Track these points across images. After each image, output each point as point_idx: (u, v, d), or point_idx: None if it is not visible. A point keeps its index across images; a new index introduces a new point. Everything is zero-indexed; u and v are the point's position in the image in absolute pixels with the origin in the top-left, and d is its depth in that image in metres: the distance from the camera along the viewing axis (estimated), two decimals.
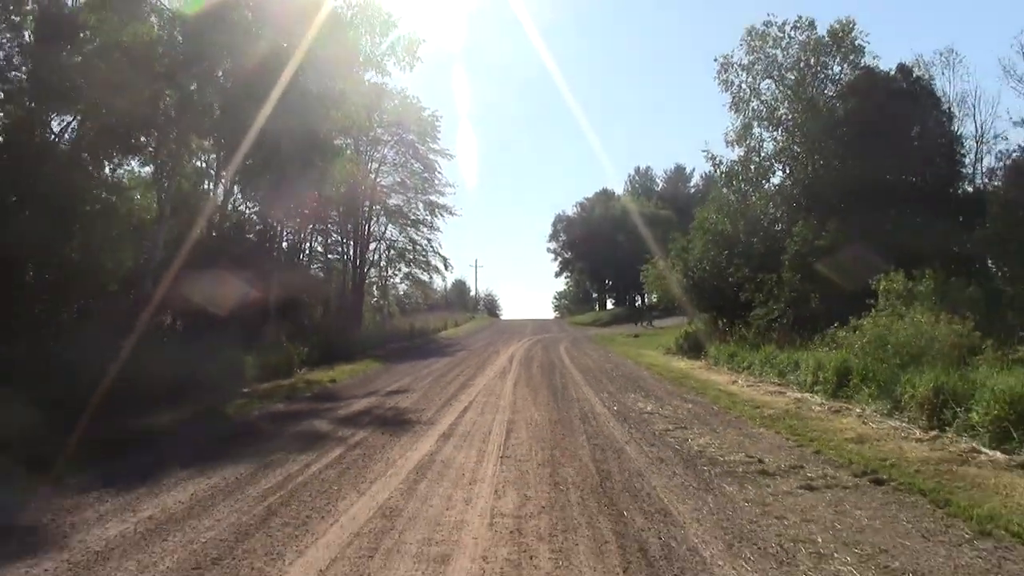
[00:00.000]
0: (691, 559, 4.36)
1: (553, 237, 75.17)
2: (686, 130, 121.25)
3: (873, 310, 13.80)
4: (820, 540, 4.71)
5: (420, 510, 5.45)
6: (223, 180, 21.63)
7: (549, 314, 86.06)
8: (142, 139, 16.91)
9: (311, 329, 21.66)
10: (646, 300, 50.53)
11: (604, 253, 64.03)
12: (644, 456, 7.45)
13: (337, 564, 4.29)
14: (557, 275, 79.42)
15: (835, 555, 4.43)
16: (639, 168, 78.55)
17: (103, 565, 4.32)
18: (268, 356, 15.73)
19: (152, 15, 18.17)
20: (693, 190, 69.69)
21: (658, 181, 76.90)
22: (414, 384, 14.75)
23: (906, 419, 9.58)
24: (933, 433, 8.67)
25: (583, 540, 4.71)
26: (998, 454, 7.42)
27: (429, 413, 10.59)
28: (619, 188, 75.61)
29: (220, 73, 19.14)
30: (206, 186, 21.89)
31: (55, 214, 12.61)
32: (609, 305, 74.79)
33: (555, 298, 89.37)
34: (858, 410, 10.64)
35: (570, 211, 75.28)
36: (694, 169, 74.52)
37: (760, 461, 7.19)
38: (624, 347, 27.48)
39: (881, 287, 15.17)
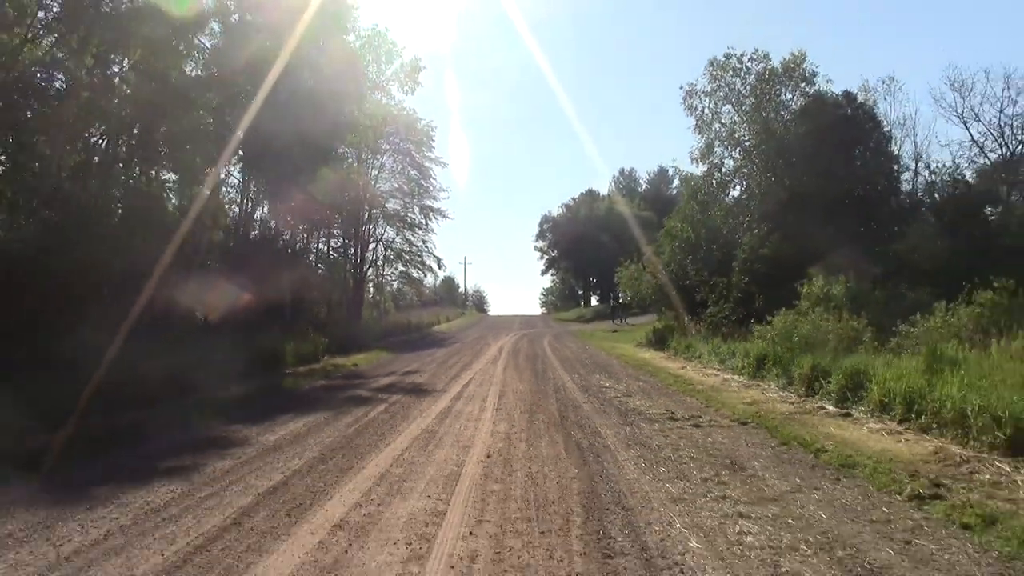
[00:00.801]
0: (603, 449, 7.96)
1: (540, 236, 79.03)
2: (674, 131, 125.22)
3: (783, 309, 17.41)
4: (682, 445, 8.29)
5: (448, 431, 9.05)
6: (250, 193, 25.13)
7: (536, 310, 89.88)
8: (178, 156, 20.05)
9: (317, 324, 25.05)
10: (620, 299, 54.13)
11: (589, 252, 67.67)
12: (593, 409, 11.05)
13: (408, 450, 7.88)
14: (543, 273, 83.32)
15: (688, 450, 8.01)
16: (623, 169, 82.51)
17: (280, 450, 7.90)
18: (300, 345, 19.23)
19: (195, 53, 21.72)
20: (675, 192, 73.39)
21: (642, 182, 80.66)
22: (423, 368, 18.37)
23: (792, 390, 13.26)
24: (804, 398, 12.34)
25: (544, 441, 8.32)
26: (833, 408, 11.08)
27: (440, 385, 14.22)
28: (605, 188, 79.48)
29: (251, 105, 22.53)
30: (232, 195, 25.33)
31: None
32: (594, 302, 78.51)
33: (542, 294, 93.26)
34: (764, 385, 14.34)
35: (556, 211, 79.14)
36: (676, 171, 78.27)
37: (672, 413, 10.78)
38: (601, 341, 31.15)
39: (803, 290, 18.90)
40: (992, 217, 24.31)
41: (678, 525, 5.13)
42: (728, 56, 28.90)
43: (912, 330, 14.79)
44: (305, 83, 23.11)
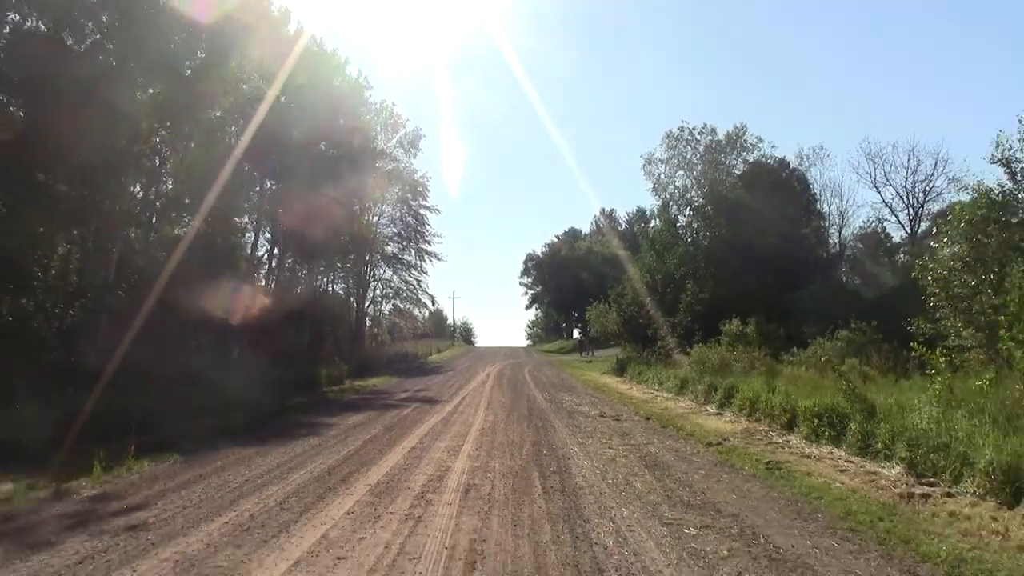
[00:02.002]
0: (550, 427, 13.53)
1: (524, 273, 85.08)
2: None
3: (710, 342, 23.09)
4: (600, 427, 13.85)
5: (457, 419, 14.58)
6: (277, 249, 30.68)
7: (521, 342, 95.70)
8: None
9: (342, 354, 30.51)
10: (589, 333, 59.82)
11: (569, 288, 73.55)
12: (551, 411, 16.58)
13: (436, 425, 13.43)
14: (527, 307, 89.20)
15: (601, 429, 13.57)
16: (604, 209, 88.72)
17: (358, 428, 13.43)
18: (331, 370, 24.70)
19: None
20: (652, 232, 79.53)
21: (622, 222, 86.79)
22: (429, 387, 23.90)
23: (695, 400, 18.87)
24: (701, 405, 17.94)
25: (515, 424, 13.90)
26: (713, 410, 16.67)
27: (445, 398, 19.77)
28: (587, 226, 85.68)
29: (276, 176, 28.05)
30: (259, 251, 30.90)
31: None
32: (575, 334, 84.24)
33: (528, 326, 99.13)
34: (680, 399, 19.95)
35: (540, 250, 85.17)
36: (654, 210, 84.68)
37: (604, 413, 16.33)
38: (574, 369, 36.73)
39: (725, 328, 24.64)
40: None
41: (576, 451, 10.69)
42: (682, 129, 35.03)
43: (792, 359, 20.49)
44: (330, 155, 28.86)
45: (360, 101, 31.28)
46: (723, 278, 30.08)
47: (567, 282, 73.56)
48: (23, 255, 15.02)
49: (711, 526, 6.42)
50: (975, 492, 7.81)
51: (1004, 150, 15.39)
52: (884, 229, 37.99)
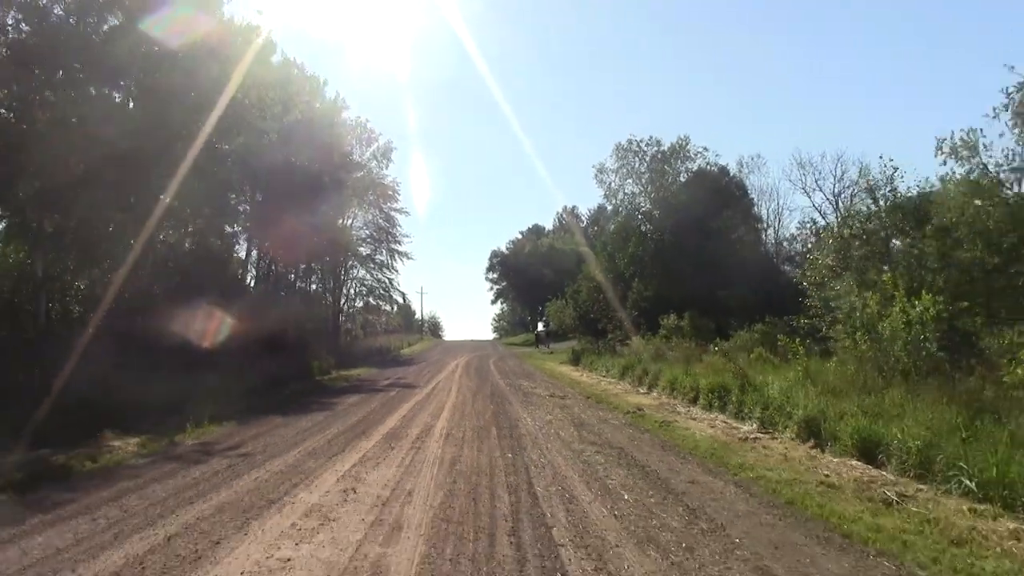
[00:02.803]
0: (508, 404, 17.38)
1: (490, 269, 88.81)
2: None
3: (638, 336, 27.15)
4: (548, 404, 17.70)
5: (433, 400, 18.36)
6: (259, 255, 34.01)
7: (488, 335, 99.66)
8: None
9: (330, 348, 34.02)
10: (548, 327, 63.92)
11: (533, 284, 77.44)
12: (510, 392, 20.41)
13: (417, 403, 17.20)
14: (493, 302, 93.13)
15: (548, 404, 17.43)
16: (566, 207, 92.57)
17: (357, 406, 17.16)
18: (320, 362, 28.27)
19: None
20: (613, 228, 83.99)
21: (583, 219, 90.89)
22: (406, 376, 27.62)
23: (631, 384, 22.83)
24: (635, 386, 21.90)
25: (480, 401, 17.73)
26: (644, 390, 20.65)
27: (422, 384, 23.54)
28: (550, 223, 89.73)
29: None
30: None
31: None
32: (539, 328, 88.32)
33: (494, 319, 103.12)
34: (620, 382, 23.91)
35: (505, 247, 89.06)
36: (624, 195, 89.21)
37: (554, 394, 20.20)
38: (535, 360, 40.66)
39: (663, 323, 28.72)
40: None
41: (525, 417, 14.53)
42: (630, 141, 39.13)
43: (716, 348, 24.56)
44: (312, 171, 32.28)
45: (338, 120, 34.78)
46: (667, 276, 34.18)
47: (531, 278, 77.47)
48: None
49: (601, 452, 10.32)
50: (790, 437, 11.79)
51: (868, 179, 19.59)
52: (819, 232, 42.43)
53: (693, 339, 26.17)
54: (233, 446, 10.92)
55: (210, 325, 24.90)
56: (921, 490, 7.84)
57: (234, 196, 28.70)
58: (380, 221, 50.64)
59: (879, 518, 6.73)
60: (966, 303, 13.94)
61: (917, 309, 13.47)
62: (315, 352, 30.18)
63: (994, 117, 14.56)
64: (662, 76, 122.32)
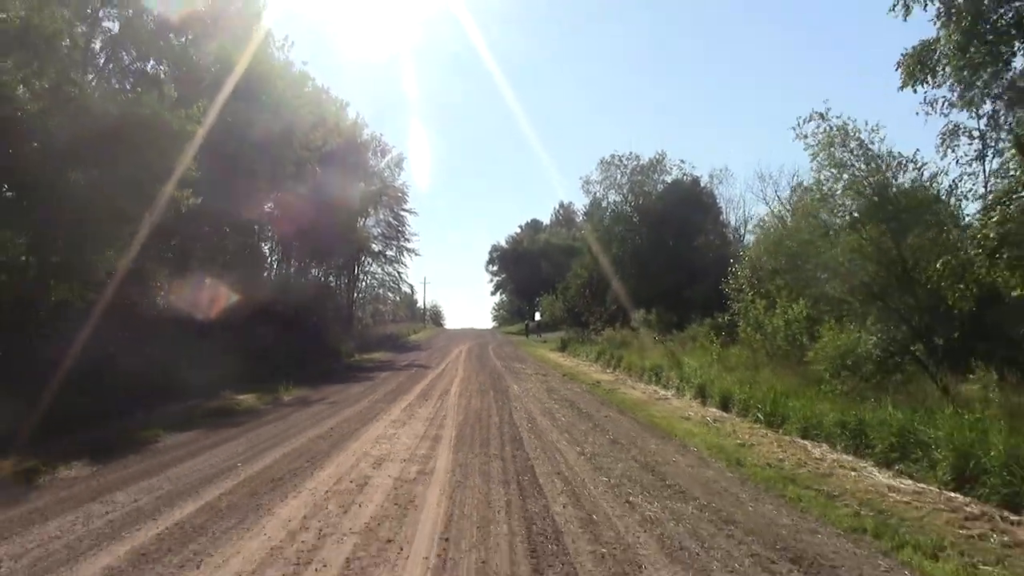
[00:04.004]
0: (502, 380, 23.37)
1: (490, 263, 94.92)
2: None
3: (611, 328, 33.15)
4: (533, 380, 23.67)
5: (445, 376, 24.40)
6: (291, 258, 39.97)
7: (488, 323, 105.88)
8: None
9: (352, 334, 40.03)
10: (538, 318, 70.01)
11: (530, 277, 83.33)
12: (505, 372, 26.40)
13: (435, 377, 23.24)
14: (492, 293, 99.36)
15: (534, 380, 23.43)
16: (562, 203, 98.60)
17: (388, 380, 23.23)
18: (344, 346, 34.29)
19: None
20: (607, 222, 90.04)
21: (578, 215, 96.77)
22: (419, 359, 33.68)
23: (604, 366, 28.84)
24: (605, 368, 27.92)
25: (482, 377, 23.74)
26: (611, 371, 26.67)
27: (434, 364, 29.60)
28: (547, 218, 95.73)
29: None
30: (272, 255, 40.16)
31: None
32: (536, 316, 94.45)
33: (493, 308, 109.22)
34: (595, 365, 29.92)
35: (504, 241, 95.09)
36: (608, 203, 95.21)
37: (538, 372, 26.22)
38: (530, 347, 46.67)
39: (635, 316, 34.73)
40: None
41: (514, 387, 20.54)
42: (613, 157, 44.95)
43: (672, 339, 30.56)
44: (335, 177, 38.13)
45: (360, 138, 40.75)
46: (644, 275, 40.08)
47: (528, 271, 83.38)
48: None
49: (558, 403, 16.34)
50: (689, 397, 17.78)
51: (779, 208, 25.41)
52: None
53: (657, 330, 32.16)
54: (321, 398, 17.00)
55: (243, 313, 30.88)
56: (731, 419, 13.91)
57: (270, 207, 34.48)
58: (391, 220, 56.62)
59: (695, 429, 12.74)
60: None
61: (791, 312, 19.49)
62: (337, 337, 36.18)
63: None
64: (664, 83, 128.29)
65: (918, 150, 14.67)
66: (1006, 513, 7.14)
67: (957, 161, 14.22)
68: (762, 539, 6.16)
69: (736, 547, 5.96)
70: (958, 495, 7.80)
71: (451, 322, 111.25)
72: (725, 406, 15.44)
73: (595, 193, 45.29)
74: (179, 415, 13.82)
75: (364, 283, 57.83)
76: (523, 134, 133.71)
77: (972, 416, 9.18)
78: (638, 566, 5.46)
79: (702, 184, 46.18)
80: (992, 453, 7.87)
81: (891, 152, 14.44)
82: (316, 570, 5.31)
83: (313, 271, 41.96)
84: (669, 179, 45.25)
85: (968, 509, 7.32)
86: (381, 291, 59.32)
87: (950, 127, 14.00)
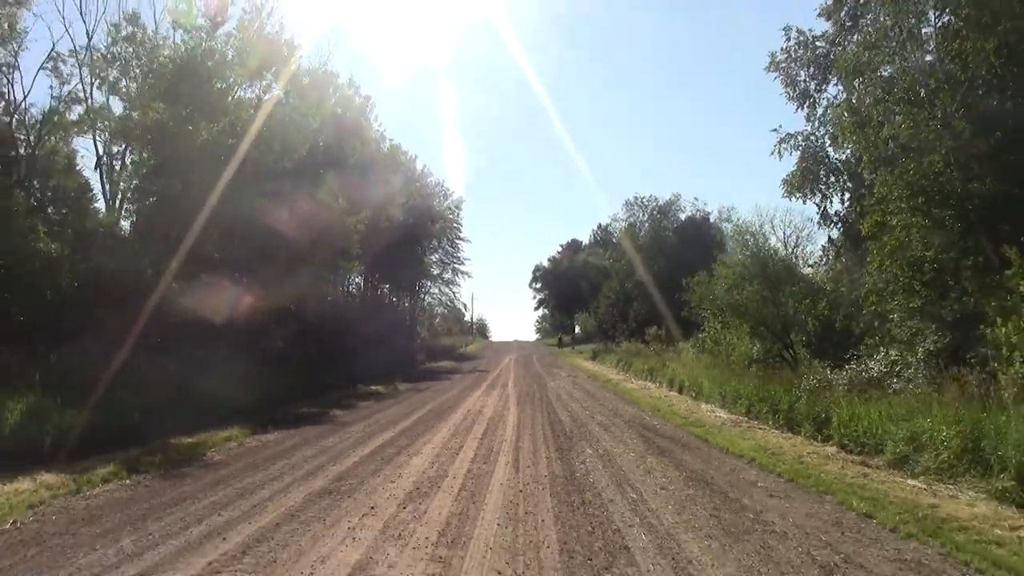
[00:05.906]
0: (541, 380, 32.96)
1: (533, 281, 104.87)
2: (677, 167, 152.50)
3: (628, 341, 42.55)
4: (564, 379, 33.17)
5: (501, 377, 34.13)
6: (373, 282, 50.07)
7: (531, 336, 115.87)
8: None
9: (426, 346, 49.97)
10: (576, 331, 79.32)
11: (570, 294, 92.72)
12: (544, 374, 35.96)
13: (494, 379, 32.98)
14: (535, 309, 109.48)
15: (565, 380, 32.95)
16: (600, 225, 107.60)
17: (460, 381, 33.06)
18: (420, 356, 44.18)
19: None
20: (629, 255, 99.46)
21: (615, 238, 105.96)
22: (478, 367, 43.51)
23: (623, 370, 38.26)
24: (625, 373, 37.31)
25: (528, 380, 33.38)
26: (624, 373, 36.07)
27: (491, 370, 39.49)
28: (586, 238, 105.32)
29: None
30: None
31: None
32: (576, 330, 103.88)
33: (537, 321, 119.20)
34: (617, 370, 39.33)
35: (545, 262, 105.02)
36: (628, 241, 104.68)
37: (569, 375, 35.74)
38: (567, 357, 56.20)
39: (649, 332, 44.07)
40: None
41: (551, 383, 30.09)
42: (636, 199, 54.48)
43: (670, 350, 39.79)
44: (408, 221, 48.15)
45: (425, 185, 51.09)
46: (660, 299, 49.27)
47: (568, 289, 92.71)
48: None
49: (580, 391, 25.95)
50: (667, 388, 27.18)
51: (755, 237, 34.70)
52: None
53: (663, 343, 41.37)
54: (424, 388, 26.96)
55: (356, 329, 40.91)
56: (676, 395, 23.38)
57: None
58: (447, 246, 66.75)
59: (649, 399, 22.18)
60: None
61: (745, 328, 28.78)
62: (406, 349, 46.13)
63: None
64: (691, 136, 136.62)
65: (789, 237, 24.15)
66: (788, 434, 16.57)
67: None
68: (634, 426, 15.72)
69: (625, 426, 15.57)
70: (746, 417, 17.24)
71: (496, 335, 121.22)
72: (681, 389, 24.78)
73: (618, 229, 54.74)
74: (352, 396, 23.89)
75: (425, 301, 68.02)
76: (565, 150, 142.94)
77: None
78: (590, 431, 15.06)
79: (711, 221, 55.40)
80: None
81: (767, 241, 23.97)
82: (471, 438, 14.95)
83: (386, 293, 52.10)
84: (683, 216, 54.62)
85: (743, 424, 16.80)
86: (438, 308, 69.30)
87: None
